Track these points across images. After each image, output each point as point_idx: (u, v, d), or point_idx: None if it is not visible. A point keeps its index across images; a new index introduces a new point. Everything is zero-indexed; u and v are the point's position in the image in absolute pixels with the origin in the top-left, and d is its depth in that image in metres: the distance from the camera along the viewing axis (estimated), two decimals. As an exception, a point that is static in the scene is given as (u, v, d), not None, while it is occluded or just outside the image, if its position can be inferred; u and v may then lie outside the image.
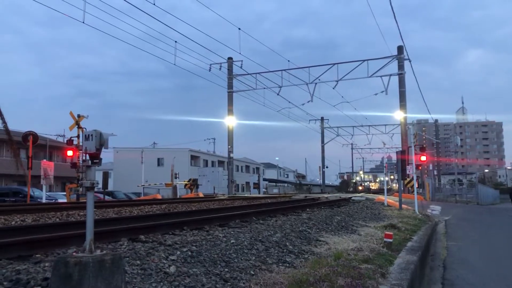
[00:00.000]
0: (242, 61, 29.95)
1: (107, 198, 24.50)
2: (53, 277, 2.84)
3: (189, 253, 4.52)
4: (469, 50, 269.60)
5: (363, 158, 79.94)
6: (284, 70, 30.25)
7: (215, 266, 4.25)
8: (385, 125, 48.71)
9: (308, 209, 12.01)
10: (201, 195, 27.42)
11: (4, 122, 17.40)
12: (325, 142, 54.46)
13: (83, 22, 15.38)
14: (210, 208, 11.47)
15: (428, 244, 8.59)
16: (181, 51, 77.65)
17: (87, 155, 3.18)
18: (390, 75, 28.76)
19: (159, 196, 27.74)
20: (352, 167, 79.50)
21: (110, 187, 42.31)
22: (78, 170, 17.87)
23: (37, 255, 4.12)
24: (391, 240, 6.58)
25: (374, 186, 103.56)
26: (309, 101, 31.15)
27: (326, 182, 63.00)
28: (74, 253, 2.98)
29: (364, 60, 28.83)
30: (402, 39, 26.87)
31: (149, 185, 36.72)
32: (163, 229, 6.02)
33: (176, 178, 31.07)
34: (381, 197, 20.93)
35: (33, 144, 17.96)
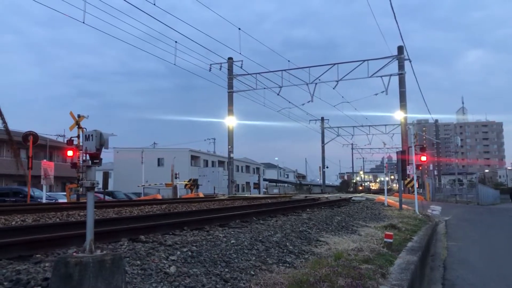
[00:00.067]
0: (242, 61, 29.95)
1: (107, 198, 24.50)
2: (53, 277, 2.85)
3: (189, 253, 4.52)
4: (469, 50, 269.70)
5: (363, 158, 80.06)
6: (284, 70, 30.26)
7: (215, 266, 4.25)
8: (385, 125, 48.75)
9: (308, 209, 12.01)
10: (201, 195, 27.41)
11: (4, 122, 17.41)
12: (325, 142, 54.47)
13: (83, 22, 15.39)
14: (210, 208, 11.47)
15: (429, 244, 8.59)
16: (181, 51, 77.68)
17: (87, 155, 3.18)
18: (390, 75, 28.76)
19: (159, 196, 27.74)
20: (352, 167, 79.56)
21: (110, 187, 42.33)
22: (78, 170, 17.86)
23: (37, 255, 4.12)
24: (391, 240, 6.58)
25: (374, 186, 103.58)
26: (309, 101, 31.16)
27: (326, 182, 62.99)
28: (74, 253, 2.98)
29: (364, 60, 28.84)
30: (402, 39, 26.90)
31: (149, 185, 36.72)
32: (163, 229, 6.02)
33: (176, 178, 31.08)
34: (381, 197, 20.92)
35: (33, 144, 17.96)
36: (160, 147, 63.34)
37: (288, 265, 4.72)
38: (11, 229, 5.65)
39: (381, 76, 28.74)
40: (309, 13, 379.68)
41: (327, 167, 58.98)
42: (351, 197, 22.06)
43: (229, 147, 32.38)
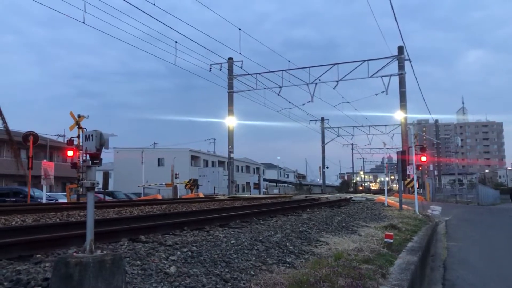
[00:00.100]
0: (242, 61, 29.92)
1: (107, 198, 24.51)
2: (53, 277, 2.85)
3: (190, 253, 4.52)
4: (470, 51, 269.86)
5: (363, 158, 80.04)
6: (285, 70, 30.23)
7: (216, 266, 4.25)
8: (386, 125, 48.75)
9: (308, 210, 12.01)
10: (201, 195, 27.41)
11: (4, 122, 17.42)
12: (325, 142, 54.46)
13: (83, 23, 15.39)
14: (210, 208, 11.47)
15: (429, 245, 8.59)
16: (182, 52, 77.73)
17: (88, 155, 3.18)
18: (391, 75, 28.74)
19: (159, 197, 27.74)
20: (353, 167, 79.53)
21: (111, 187, 42.33)
22: (79, 170, 17.85)
23: (37, 256, 4.12)
24: (391, 241, 6.58)
25: (374, 186, 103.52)
26: (309, 102, 31.12)
27: (327, 182, 62.98)
28: (74, 254, 2.98)
29: (364, 61, 28.83)
30: (402, 40, 26.92)
31: (150, 185, 36.71)
32: (164, 230, 6.02)
33: (176, 178, 31.08)
34: (381, 197, 20.92)
35: (33, 144, 17.96)
36: (160, 147, 63.35)
37: (288, 265, 4.72)
38: (11, 229, 5.66)
39: (381, 76, 28.73)
40: (309, 14, 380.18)
41: (327, 167, 59.01)
42: (351, 197, 22.06)
43: (229, 147, 32.38)
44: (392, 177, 67.83)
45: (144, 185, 35.36)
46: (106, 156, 55.61)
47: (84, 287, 2.69)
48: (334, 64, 29.35)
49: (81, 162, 17.91)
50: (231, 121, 32.55)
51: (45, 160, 22.15)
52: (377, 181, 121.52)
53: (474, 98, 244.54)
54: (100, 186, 19.83)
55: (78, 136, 18.41)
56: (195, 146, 63.46)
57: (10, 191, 23.11)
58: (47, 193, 22.77)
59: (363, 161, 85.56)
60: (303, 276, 4.11)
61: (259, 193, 45.03)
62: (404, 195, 17.71)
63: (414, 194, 17.12)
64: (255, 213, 9.22)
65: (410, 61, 29.33)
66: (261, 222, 8.11)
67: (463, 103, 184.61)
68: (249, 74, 31.43)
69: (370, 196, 27.41)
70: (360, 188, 76.22)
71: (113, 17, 44.41)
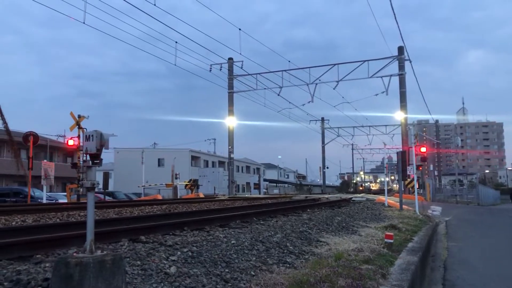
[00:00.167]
0: (242, 61, 29.91)
1: (107, 198, 24.51)
2: (53, 278, 2.85)
3: (190, 253, 4.52)
4: (470, 51, 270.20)
5: (363, 158, 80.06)
6: (285, 70, 30.24)
7: (216, 266, 4.25)
8: (386, 125, 48.80)
9: (308, 210, 12.01)
10: (201, 195, 27.41)
11: (4, 122, 17.45)
12: (325, 142, 54.49)
13: (84, 23, 15.39)
14: (210, 208, 11.47)
15: (429, 245, 8.58)
16: (182, 52, 77.61)
17: (88, 156, 3.18)
18: (391, 75, 28.74)
19: (159, 197, 27.72)
20: (353, 167, 79.54)
21: (111, 188, 42.36)
22: (79, 171, 17.84)
23: (37, 256, 4.12)
24: (391, 241, 6.57)
25: (374, 186, 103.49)
26: (309, 102, 31.14)
27: (327, 182, 62.99)
28: (74, 254, 2.98)
29: (364, 61, 28.83)
30: (402, 40, 26.94)
31: (150, 185, 36.70)
32: (164, 230, 6.02)
33: (176, 178, 31.04)
34: (381, 197, 20.91)
35: (33, 145, 17.96)
36: (161, 148, 63.35)
37: (288, 265, 4.72)
38: (12, 230, 5.66)
39: (381, 77, 28.73)
40: (309, 14, 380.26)
41: (327, 168, 59.05)
42: (352, 198, 22.05)
43: (230, 147, 32.38)
44: (392, 178, 67.82)
45: (144, 185, 35.35)
46: (106, 156, 55.77)
47: (84, 287, 2.69)
48: (334, 65, 29.36)
49: (81, 162, 17.93)
50: (231, 121, 32.55)
51: (45, 160, 22.19)
52: (377, 181, 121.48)
53: (474, 98, 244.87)
54: (100, 186, 19.82)
55: (78, 136, 18.42)
56: (195, 146, 63.51)
57: (10, 191, 23.13)
58: (47, 193, 22.77)
59: (363, 161, 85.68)
60: (303, 276, 4.11)
61: (259, 193, 45.02)
62: (404, 196, 17.70)
63: (414, 195, 17.11)
64: (255, 213, 9.22)
65: (410, 61, 29.38)
66: (261, 222, 8.11)
67: (463, 103, 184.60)
68: (249, 74, 31.44)
69: (370, 196, 27.42)
70: (360, 188, 76.18)
71: (113, 17, 44.41)
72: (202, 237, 5.61)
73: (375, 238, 7.15)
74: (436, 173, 55.90)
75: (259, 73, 31.13)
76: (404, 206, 15.26)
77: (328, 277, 4.13)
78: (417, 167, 18.13)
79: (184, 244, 5.00)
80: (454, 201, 36.12)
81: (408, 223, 10.57)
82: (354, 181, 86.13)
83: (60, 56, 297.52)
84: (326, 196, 26.28)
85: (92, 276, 2.73)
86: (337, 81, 29.47)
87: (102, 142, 3.14)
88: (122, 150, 55.02)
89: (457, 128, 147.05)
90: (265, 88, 31.25)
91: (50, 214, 9.08)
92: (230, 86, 32.29)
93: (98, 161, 3.19)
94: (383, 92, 28.80)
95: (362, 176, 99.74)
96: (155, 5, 16.70)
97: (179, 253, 4.49)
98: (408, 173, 17.42)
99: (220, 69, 30.59)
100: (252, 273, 4.21)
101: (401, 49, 28.85)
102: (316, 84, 30.09)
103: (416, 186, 17.64)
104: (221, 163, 62.46)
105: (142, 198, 28.49)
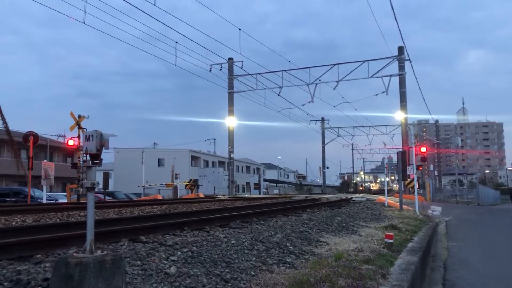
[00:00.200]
0: (242, 61, 29.90)
1: (107, 198, 24.51)
2: (53, 278, 2.84)
3: (190, 253, 4.52)
4: (470, 51, 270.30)
5: (363, 158, 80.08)
6: (285, 70, 30.24)
7: (216, 266, 4.25)
8: (386, 125, 48.80)
9: (308, 210, 12.00)
10: (201, 195, 27.41)
11: (4, 122, 17.44)
12: (325, 142, 54.49)
13: (84, 23, 15.39)
14: (210, 208, 11.47)
15: (429, 245, 8.58)
16: (182, 52, 77.51)
17: (88, 156, 3.18)
18: (391, 75, 28.74)
19: (159, 197, 27.72)
20: (353, 167, 79.53)
21: (111, 188, 42.35)
22: (79, 171, 17.84)
23: (37, 256, 4.12)
24: (391, 241, 6.57)
25: (374, 186, 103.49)
26: (309, 102, 31.14)
27: (327, 182, 62.99)
28: (74, 254, 2.98)
29: (364, 61, 28.83)
30: (402, 40, 26.96)
31: (150, 185, 36.70)
32: (164, 230, 6.02)
33: (176, 178, 31.04)
34: (381, 197, 20.91)
35: (33, 145, 17.96)
36: (161, 148, 63.35)
37: (288, 265, 4.72)
38: (12, 230, 5.66)
39: (381, 77, 28.74)
40: (309, 14, 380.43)
41: (327, 168, 59.06)
42: (352, 198, 22.05)
43: (230, 147, 32.38)
44: (392, 178, 67.84)
45: (144, 186, 35.36)
46: (106, 156, 55.74)
47: (84, 287, 2.69)
48: (334, 65, 29.36)
49: (82, 162, 17.93)
50: (231, 121, 32.55)
51: (45, 160, 22.18)
52: (377, 181, 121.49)
53: (475, 98, 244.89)
54: (100, 186, 19.81)
55: (79, 136, 18.42)
56: (195, 146, 63.51)
57: (11, 191, 23.13)
58: (47, 193, 22.77)
59: (363, 162, 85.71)
60: (304, 276, 4.11)
61: (259, 193, 45.02)
62: (405, 196, 17.70)
63: (414, 195, 17.11)
64: (255, 213, 9.22)
65: (410, 61, 29.38)
66: (261, 222, 8.11)
67: (463, 103, 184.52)
68: (249, 74, 31.45)
69: (370, 196, 27.42)
70: (360, 188, 76.18)
71: (113, 17, 44.37)
72: (202, 237, 5.61)
73: (375, 238, 7.15)
74: (436, 173, 55.91)
75: (259, 73, 31.15)
76: (404, 206, 15.26)
77: (328, 277, 4.13)
78: (417, 167, 18.13)
79: (184, 244, 5.00)
80: (454, 201, 36.11)
81: (408, 223, 10.57)
82: (354, 181, 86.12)
83: (60, 56, 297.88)
84: (326, 196, 26.28)
85: (92, 276, 2.73)
86: (337, 81, 29.48)
87: (102, 142, 3.14)
88: (122, 150, 55.02)
89: (457, 128, 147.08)
90: (265, 88, 31.26)
91: (50, 214, 9.08)
92: (230, 86, 32.29)
93: (98, 161, 3.19)
94: (383, 92, 28.81)
95: (362, 176, 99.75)
96: (155, 5, 16.71)
97: (179, 253, 4.49)
98: (408, 173, 17.42)
99: (220, 69, 30.60)
100: (252, 273, 4.21)
101: (401, 49, 28.84)
102: (316, 84, 30.11)
103: (416, 186, 17.64)
104: (221, 163, 62.45)
105: (142, 198, 28.49)
